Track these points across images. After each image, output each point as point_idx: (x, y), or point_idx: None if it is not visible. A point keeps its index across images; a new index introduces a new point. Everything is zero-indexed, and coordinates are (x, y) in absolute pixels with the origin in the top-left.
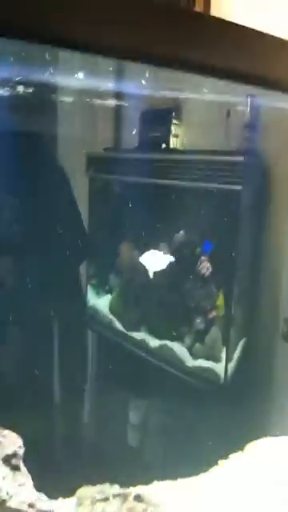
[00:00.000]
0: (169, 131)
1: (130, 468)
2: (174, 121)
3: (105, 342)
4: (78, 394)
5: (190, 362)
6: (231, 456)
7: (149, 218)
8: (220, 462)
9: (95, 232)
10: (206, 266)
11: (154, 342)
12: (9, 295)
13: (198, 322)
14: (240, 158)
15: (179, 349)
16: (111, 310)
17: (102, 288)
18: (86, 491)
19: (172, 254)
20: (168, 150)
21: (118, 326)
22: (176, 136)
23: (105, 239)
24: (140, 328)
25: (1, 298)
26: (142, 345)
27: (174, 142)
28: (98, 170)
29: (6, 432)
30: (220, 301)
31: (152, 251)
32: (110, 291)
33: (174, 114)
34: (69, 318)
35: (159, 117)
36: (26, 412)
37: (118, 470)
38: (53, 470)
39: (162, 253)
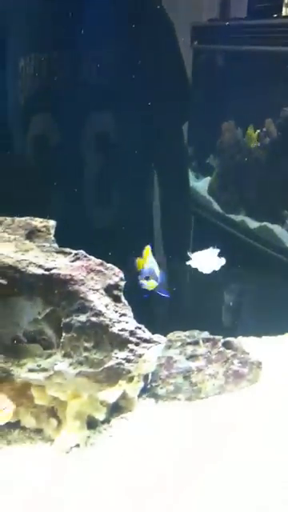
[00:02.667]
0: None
1: (219, 329)
2: None
3: (203, 224)
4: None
5: None
6: None
7: (254, 92)
8: None
9: (196, 109)
10: None
11: (253, 224)
12: (113, 154)
13: None
14: None
15: (279, 230)
16: (210, 191)
17: (201, 170)
18: (177, 335)
19: (278, 130)
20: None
21: (217, 207)
22: None
23: (206, 117)
24: (239, 210)
25: (107, 157)
26: (240, 226)
27: (286, 12)
28: (202, 41)
29: (110, 264)
30: None
31: (205, 251)
32: (209, 173)
33: None
34: (170, 173)
35: None
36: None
37: (207, 328)
38: (146, 317)
39: (215, 253)
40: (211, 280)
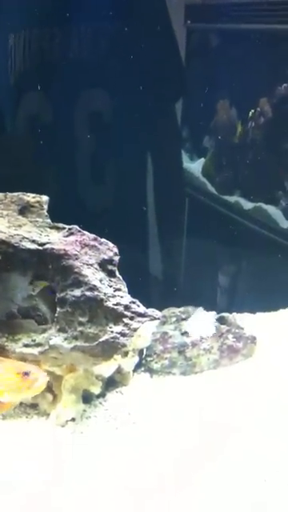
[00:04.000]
0: None
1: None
2: None
3: (198, 206)
4: (171, 247)
5: (285, 224)
6: None
7: (249, 71)
8: None
9: (190, 90)
10: None
11: (247, 205)
12: (105, 133)
13: None
14: None
15: (274, 211)
16: (204, 172)
17: (195, 152)
18: (172, 311)
19: (272, 109)
20: None
21: (211, 189)
22: None
23: (200, 97)
24: (233, 191)
25: (100, 136)
26: (235, 207)
27: None
28: (196, 20)
29: (104, 240)
30: None
31: (196, 315)
32: (203, 154)
33: None
34: (162, 153)
35: None
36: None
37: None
38: (141, 295)
39: (207, 317)
40: (206, 260)
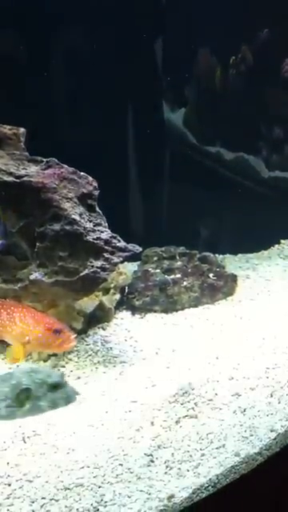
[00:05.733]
0: None
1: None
2: None
3: (179, 157)
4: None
5: (266, 174)
6: None
7: (230, 17)
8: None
9: (171, 38)
10: None
11: (228, 155)
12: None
13: (277, 132)
14: None
15: (255, 161)
16: (186, 123)
17: (176, 103)
18: (153, 250)
19: (253, 55)
20: None
21: (193, 139)
22: None
23: (181, 45)
24: (215, 141)
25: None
26: (216, 158)
27: None
28: None
29: (83, 173)
30: None
31: None
32: (184, 104)
33: None
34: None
35: None
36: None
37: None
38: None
39: None
40: (188, 208)
